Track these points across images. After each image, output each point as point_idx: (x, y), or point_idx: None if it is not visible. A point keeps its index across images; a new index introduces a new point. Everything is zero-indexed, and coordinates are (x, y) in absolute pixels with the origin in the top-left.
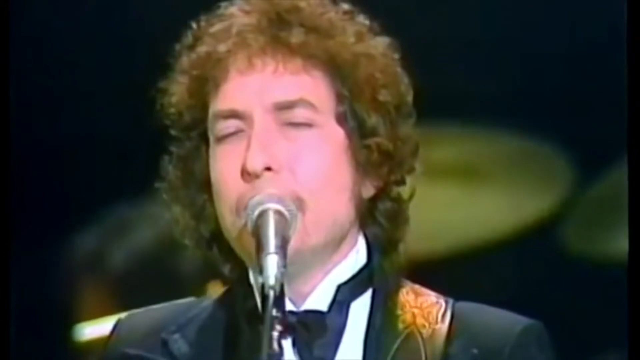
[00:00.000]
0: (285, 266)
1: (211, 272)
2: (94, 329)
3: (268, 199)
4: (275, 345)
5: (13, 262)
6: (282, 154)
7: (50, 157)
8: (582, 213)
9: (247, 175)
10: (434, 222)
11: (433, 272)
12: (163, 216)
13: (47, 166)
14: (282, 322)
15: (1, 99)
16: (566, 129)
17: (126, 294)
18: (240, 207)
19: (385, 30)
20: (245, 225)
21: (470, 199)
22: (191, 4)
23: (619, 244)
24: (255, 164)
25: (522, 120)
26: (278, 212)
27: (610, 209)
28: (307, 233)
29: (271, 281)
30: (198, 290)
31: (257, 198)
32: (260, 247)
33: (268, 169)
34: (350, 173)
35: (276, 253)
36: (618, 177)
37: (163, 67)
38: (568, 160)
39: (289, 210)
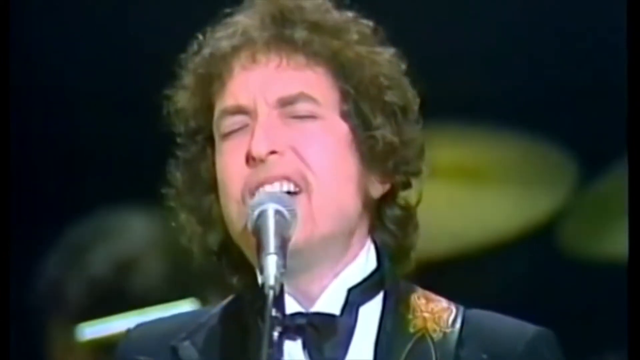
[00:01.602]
0: (285, 266)
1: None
2: (94, 329)
3: (268, 199)
4: (275, 346)
5: (13, 262)
6: (285, 139)
7: (50, 158)
8: (582, 213)
9: (252, 160)
10: (433, 223)
11: (433, 273)
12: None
13: (48, 166)
14: (282, 322)
15: (1, 99)
16: (566, 130)
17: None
18: (246, 194)
19: (387, 29)
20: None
21: (470, 200)
22: (198, 13)
23: (619, 244)
24: (259, 148)
25: (522, 121)
26: (278, 212)
27: (610, 209)
28: (314, 222)
29: (271, 281)
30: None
31: (257, 198)
32: (260, 247)
33: (272, 152)
34: (355, 165)
35: (276, 253)
36: (618, 177)
37: (168, 73)
38: (568, 160)
39: (289, 211)
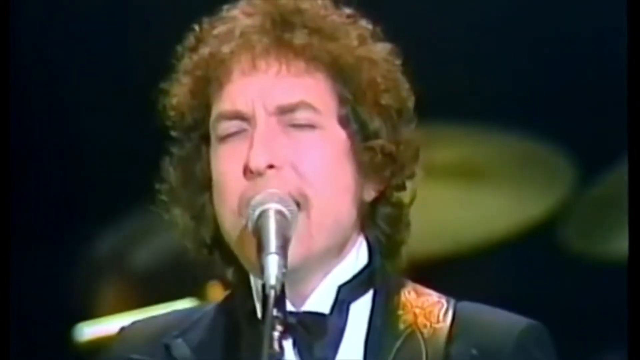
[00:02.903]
0: (286, 266)
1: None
2: (94, 329)
3: (269, 198)
4: (276, 346)
5: (13, 262)
6: (284, 152)
7: (50, 157)
8: (582, 213)
9: (249, 173)
10: (434, 223)
11: (433, 272)
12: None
13: (48, 166)
14: (283, 322)
15: (1, 98)
16: (566, 130)
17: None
18: (242, 206)
19: (386, 30)
20: (246, 226)
21: (470, 199)
22: (193, 6)
23: (619, 244)
24: (258, 162)
25: (522, 121)
26: (279, 212)
27: (610, 209)
28: (311, 237)
29: (272, 281)
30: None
31: (257, 198)
32: (261, 247)
33: (271, 166)
34: (353, 175)
35: (277, 253)
36: (618, 177)
37: (164, 68)
38: (568, 160)
39: (289, 210)
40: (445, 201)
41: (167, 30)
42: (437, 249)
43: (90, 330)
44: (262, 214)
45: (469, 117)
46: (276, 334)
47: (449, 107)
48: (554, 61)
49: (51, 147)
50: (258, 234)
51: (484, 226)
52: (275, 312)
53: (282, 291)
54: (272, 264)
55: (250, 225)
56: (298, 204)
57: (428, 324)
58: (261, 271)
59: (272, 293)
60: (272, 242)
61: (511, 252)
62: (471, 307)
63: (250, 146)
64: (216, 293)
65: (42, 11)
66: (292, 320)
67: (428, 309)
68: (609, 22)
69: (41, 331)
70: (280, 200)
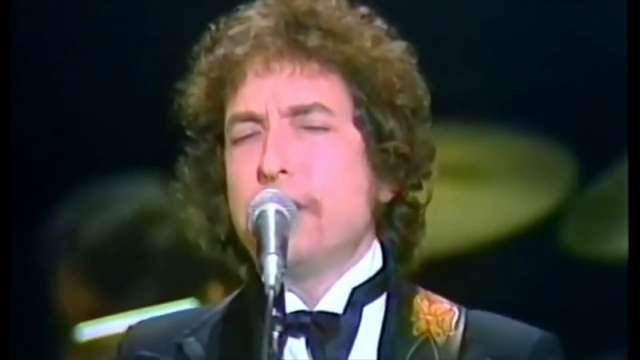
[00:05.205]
0: (285, 266)
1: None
2: (93, 329)
3: (268, 198)
4: (275, 346)
5: (13, 261)
6: (297, 157)
7: (51, 156)
8: (582, 213)
9: (263, 177)
10: (434, 223)
11: (433, 273)
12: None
13: (48, 165)
14: (282, 322)
15: (1, 98)
16: (566, 130)
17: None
18: None
19: (399, 30)
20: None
21: (470, 200)
22: (209, 6)
23: (619, 244)
24: (271, 166)
25: (523, 121)
26: (278, 212)
27: (610, 209)
28: (322, 234)
29: (271, 281)
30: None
31: (257, 198)
32: (260, 247)
33: (283, 171)
34: (367, 176)
35: (276, 253)
36: (618, 177)
37: (176, 67)
38: (568, 160)
39: (289, 210)
40: (444, 201)
41: (183, 29)
42: (436, 250)
43: (90, 330)
44: (261, 214)
45: (471, 116)
46: (275, 334)
47: (450, 106)
48: (554, 61)
49: (52, 147)
50: (257, 234)
51: (482, 227)
52: (275, 312)
53: (282, 291)
54: (272, 264)
55: (250, 225)
56: (305, 207)
57: (441, 332)
58: (261, 271)
59: (271, 293)
60: (272, 242)
61: (510, 253)
62: (483, 316)
63: (264, 150)
64: (217, 294)
65: (46, 6)
66: (305, 319)
67: (440, 317)
68: (609, 22)
69: (41, 331)
70: (280, 200)
